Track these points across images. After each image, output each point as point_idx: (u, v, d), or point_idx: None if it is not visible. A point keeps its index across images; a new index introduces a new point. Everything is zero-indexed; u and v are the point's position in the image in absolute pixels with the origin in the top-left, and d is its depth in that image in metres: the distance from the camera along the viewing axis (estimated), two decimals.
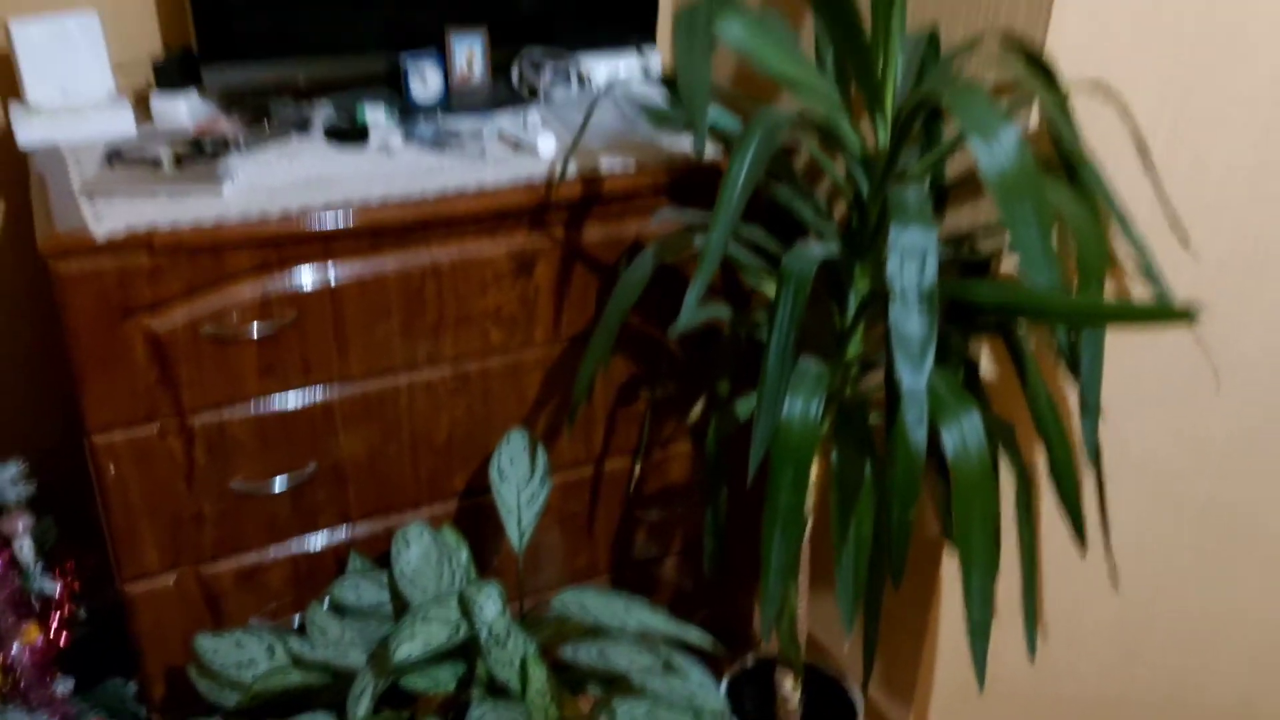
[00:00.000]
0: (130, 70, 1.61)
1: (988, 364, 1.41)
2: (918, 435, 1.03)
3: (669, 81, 1.40)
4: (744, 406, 1.39)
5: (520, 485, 1.49)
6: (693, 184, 1.53)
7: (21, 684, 1.35)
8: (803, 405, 1.13)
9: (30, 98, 1.51)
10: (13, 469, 1.39)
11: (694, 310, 1.06)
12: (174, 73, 1.57)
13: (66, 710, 1.39)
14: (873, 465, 1.23)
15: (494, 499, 1.50)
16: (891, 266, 1.03)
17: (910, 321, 1.02)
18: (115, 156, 1.43)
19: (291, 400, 1.42)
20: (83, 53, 1.52)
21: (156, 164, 1.42)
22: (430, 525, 1.49)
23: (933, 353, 1.02)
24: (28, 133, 1.49)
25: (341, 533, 1.54)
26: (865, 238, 1.24)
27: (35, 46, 1.49)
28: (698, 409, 1.58)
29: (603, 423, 1.66)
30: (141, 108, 1.59)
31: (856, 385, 1.32)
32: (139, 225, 1.26)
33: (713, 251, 1.03)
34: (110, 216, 1.27)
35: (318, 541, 1.53)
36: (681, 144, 1.58)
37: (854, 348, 1.29)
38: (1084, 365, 1.21)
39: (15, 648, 1.33)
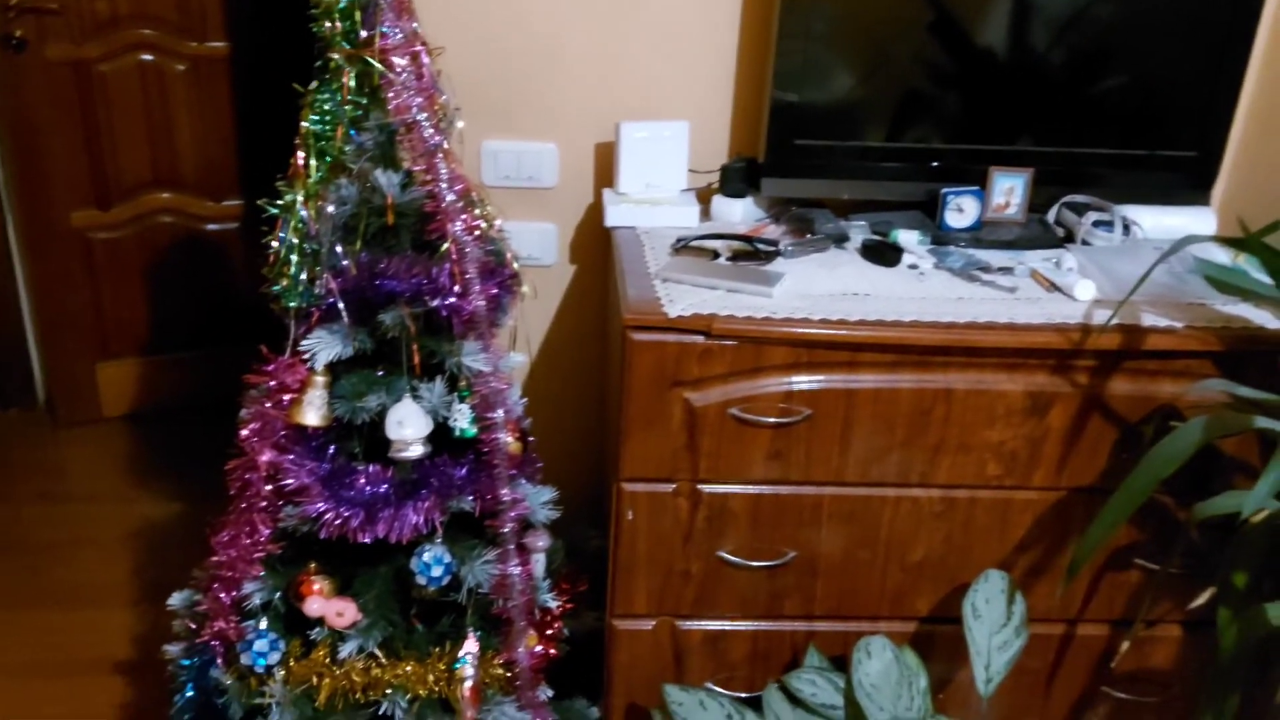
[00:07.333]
0: (699, 174, 1.84)
1: None
2: None
3: (1241, 243, 1.31)
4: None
5: (994, 628, 1.45)
6: (1248, 355, 1.42)
7: (518, 683, 1.55)
8: None
9: (621, 186, 1.78)
10: (547, 494, 1.61)
11: (1264, 499, 0.98)
12: (737, 179, 1.77)
13: (546, 716, 1.58)
14: None
15: (963, 634, 1.48)
16: None
17: None
18: (682, 245, 1.64)
19: (787, 489, 1.52)
20: (670, 154, 1.77)
21: (715, 256, 1.61)
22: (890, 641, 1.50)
23: None
24: (615, 216, 1.75)
25: (801, 624, 1.60)
26: None
27: (635, 144, 1.76)
28: (1204, 597, 1.44)
29: (1085, 583, 1.57)
30: (704, 205, 1.81)
31: None
32: (703, 310, 1.43)
33: None
34: (680, 300, 1.45)
35: (779, 626, 1.60)
36: (1239, 311, 1.47)
37: None
38: None
39: (520, 650, 1.54)
